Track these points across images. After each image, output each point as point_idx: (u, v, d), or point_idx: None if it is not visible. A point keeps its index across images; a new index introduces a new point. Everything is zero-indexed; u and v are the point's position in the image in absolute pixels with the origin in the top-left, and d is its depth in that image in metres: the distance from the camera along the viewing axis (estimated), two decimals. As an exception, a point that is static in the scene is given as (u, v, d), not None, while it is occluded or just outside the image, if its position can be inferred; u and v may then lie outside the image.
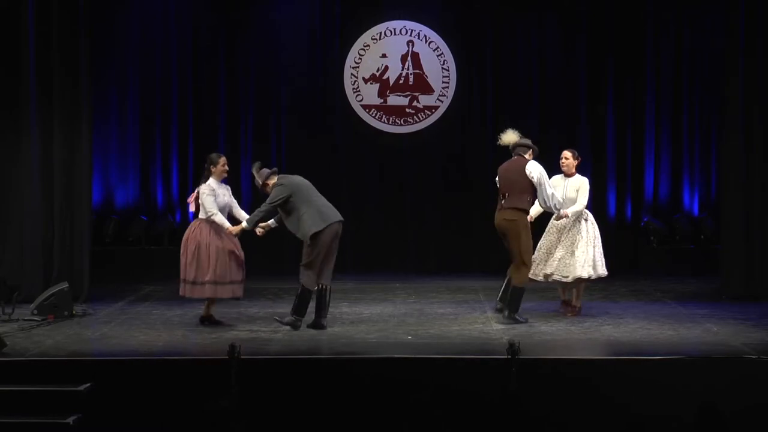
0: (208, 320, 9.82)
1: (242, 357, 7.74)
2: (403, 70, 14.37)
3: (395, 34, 14.42)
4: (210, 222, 9.63)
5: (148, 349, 8.72)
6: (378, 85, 14.37)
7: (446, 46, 14.34)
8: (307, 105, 14.29)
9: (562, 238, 10.09)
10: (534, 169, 9.72)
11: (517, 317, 9.76)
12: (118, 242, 13.98)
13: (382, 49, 14.40)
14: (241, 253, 9.70)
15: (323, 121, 14.29)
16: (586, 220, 10.17)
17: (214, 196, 9.64)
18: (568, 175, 10.25)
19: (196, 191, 9.80)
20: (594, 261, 10.05)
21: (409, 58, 14.37)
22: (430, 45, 14.36)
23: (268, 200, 9.49)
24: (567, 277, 10.04)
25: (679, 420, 7.60)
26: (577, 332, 9.40)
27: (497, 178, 9.97)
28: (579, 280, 10.09)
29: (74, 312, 10.40)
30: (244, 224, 9.57)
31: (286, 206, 9.46)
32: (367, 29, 14.38)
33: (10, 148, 11.34)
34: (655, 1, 14.21)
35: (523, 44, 14.37)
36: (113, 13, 13.88)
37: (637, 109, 14.33)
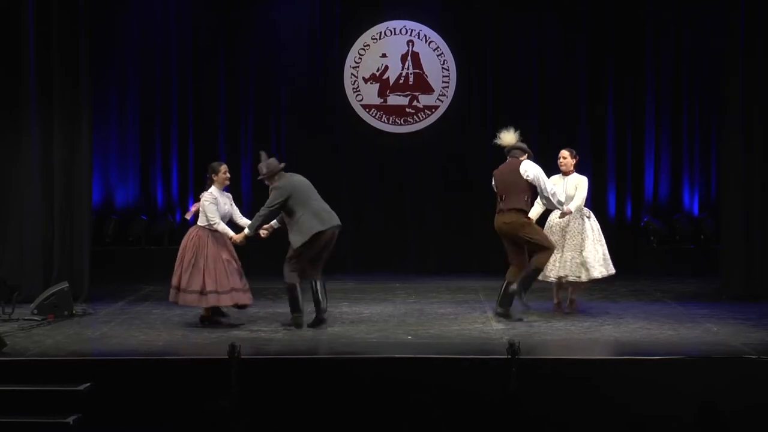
0: (208, 320, 9.81)
1: (242, 357, 7.74)
2: (403, 69, 14.38)
3: (395, 33, 14.42)
4: (209, 230, 9.62)
5: (148, 349, 8.72)
6: (378, 84, 14.37)
7: (446, 46, 14.35)
8: (307, 105, 14.30)
9: (568, 238, 10.09)
10: (529, 168, 9.73)
11: (524, 300, 9.72)
12: (118, 242, 13.98)
13: (382, 49, 14.40)
14: (238, 263, 9.70)
15: (323, 121, 14.29)
16: (588, 218, 10.19)
17: (217, 204, 9.63)
18: (566, 174, 10.27)
19: (196, 204, 9.80)
20: (604, 259, 10.10)
21: (409, 58, 14.37)
22: (430, 45, 14.37)
23: (266, 203, 9.48)
24: (580, 277, 10.05)
25: (679, 420, 7.60)
26: (577, 332, 9.40)
27: (493, 182, 9.98)
28: (593, 281, 10.13)
29: (74, 312, 10.40)
30: (246, 231, 9.56)
31: (284, 207, 9.46)
32: (367, 29, 14.38)
33: (10, 148, 11.34)
34: (655, 1, 14.21)
35: (523, 44, 14.37)
36: (113, 13, 13.88)
37: (637, 109, 14.33)
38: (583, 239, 10.08)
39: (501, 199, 9.81)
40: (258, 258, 13.30)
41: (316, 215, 9.42)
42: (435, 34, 14.36)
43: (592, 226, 10.18)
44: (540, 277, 10.09)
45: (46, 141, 11.36)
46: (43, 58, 11.29)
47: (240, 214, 9.94)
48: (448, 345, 8.79)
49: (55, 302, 10.32)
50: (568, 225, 10.11)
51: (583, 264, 10.02)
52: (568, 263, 10.05)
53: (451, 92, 14.35)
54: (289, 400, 7.87)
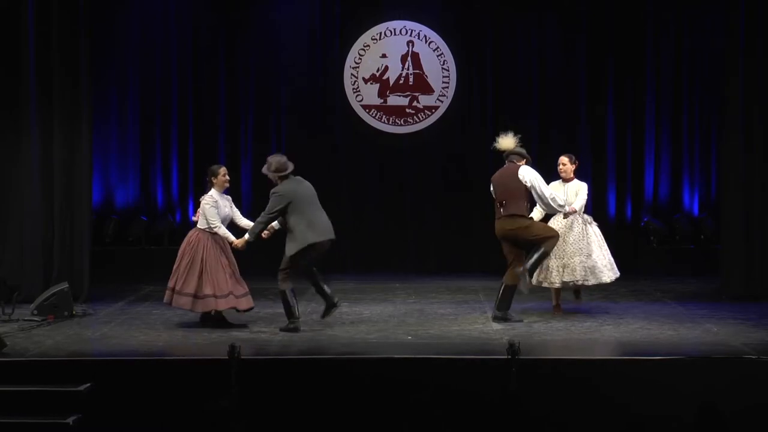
0: (208, 319, 9.80)
1: (242, 357, 7.74)
2: (403, 70, 14.38)
3: (395, 34, 14.42)
4: (210, 233, 9.62)
5: (148, 349, 8.72)
6: (378, 85, 14.37)
7: (446, 46, 14.35)
8: (307, 105, 14.30)
9: (572, 243, 10.05)
10: (527, 174, 9.69)
11: (527, 281, 9.68)
12: (118, 242, 13.98)
13: (382, 49, 14.40)
14: (236, 269, 9.69)
15: (323, 121, 14.29)
16: (590, 223, 10.20)
17: (217, 207, 9.62)
18: (566, 181, 10.27)
19: (199, 210, 9.82)
20: (611, 264, 10.11)
21: (409, 58, 14.37)
22: (430, 45, 14.36)
23: (266, 210, 9.42)
24: (588, 281, 10.05)
25: (679, 420, 7.61)
26: (577, 332, 9.40)
27: (492, 188, 9.94)
28: (601, 285, 10.15)
29: (74, 312, 10.40)
30: (246, 237, 9.54)
31: (282, 213, 9.43)
32: (367, 29, 14.38)
33: (10, 148, 11.34)
34: (655, 1, 14.21)
35: (523, 44, 14.37)
36: (113, 13, 13.88)
37: (637, 109, 14.33)
38: (589, 243, 10.07)
39: (501, 204, 9.76)
40: (258, 258, 13.29)
41: (311, 226, 9.34)
42: (435, 34, 14.36)
43: (595, 231, 10.19)
44: (545, 284, 10.12)
45: (46, 141, 11.36)
46: (43, 58, 11.29)
47: (240, 216, 9.93)
48: (448, 345, 8.79)
49: (55, 302, 10.32)
50: (571, 230, 10.09)
51: (593, 269, 10.01)
52: (577, 268, 10.02)
53: (451, 92, 14.35)
54: (288, 401, 7.87)
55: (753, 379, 7.88)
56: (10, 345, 8.58)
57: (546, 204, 9.81)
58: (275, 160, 9.50)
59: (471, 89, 14.40)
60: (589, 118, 14.30)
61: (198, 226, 9.71)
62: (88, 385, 7.84)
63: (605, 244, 10.22)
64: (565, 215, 10.06)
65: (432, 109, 14.37)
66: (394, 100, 14.38)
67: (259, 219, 9.49)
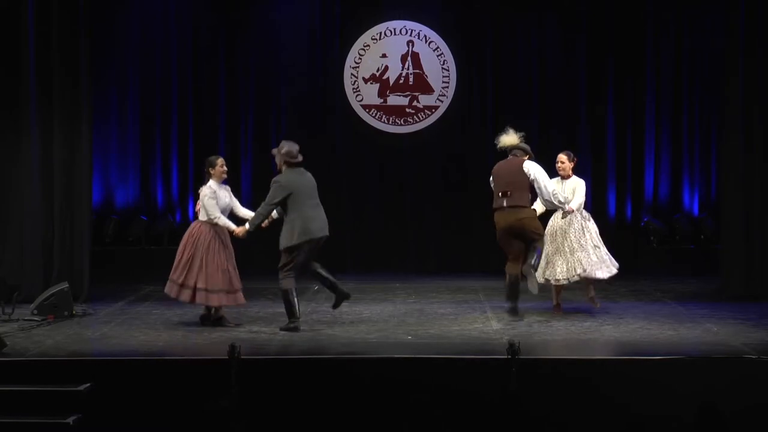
0: (208, 319, 9.81)
1: (242, 357, 7.74)
2: (403, 70, 14.38)
3: (395, 34, 14.42)
4: (211, 225, 9.63)
5: (148, 349, 8.72)
6: (378, 85, 14.37)
7: (446, 46, 14.35)
8: (307, 105, 14.30)
9: (573, 239, 10.07)
10: (531, 167, 9.76)
11: (533, 274, 9.75)
12: (118, 242, 13.99)
13: (382, 49, 14.40)
14: (234, 266, 9.70)
15: (323, 121, 14.29)
16: (589, 219, 10.21)
17: (216, 198, 9.64)
18: (565, 178, 10.28)
19: (199, 203, 9.82)
20: (609, 261, 10.11)
21: (409, 58, 14.37)
22: (430, 45, 14.37)
23: (266, 200, 9.46)
24: (585, 271, 10.05)
25: (679, 420, 7.60)
26: (577, 332, 9.40)
27: (492, 178, 9.96)
28: (597, 281, 10.14)
29: (74, 312, 10.39)
30: (247, 226, 9.57)
31: (283, 204, 9.45)
32: (367, 29, 14.39)
33: (10, 148, 11.34)
34: (655, 1, 14.21)
35: (523, 44, 14.37)
36: (113, 13, 13.88)
37: (637, 109, 14.34)
38: (588, 239, 10.08)
39: (506, 195, 9.76)
40: (258, 258, 13.31)
41: (308, 221, 9.35)
42: (435, 34, 14.36)
43: (594, 227, 10.20)
44: (552, 281, 10.14)
45: (46, 141, 11.36)
46: (43, 58, 11.29)
47: (240, 206, 9.95)
48: (448, 345, 8.78)
49: (55, 302, 10.31)
50: (570, 227, 10.10)
51: (589, 264, 10.02)
52: (582, 261, 10.02)
53: (451, 92, 14.35)
54: (288, 401, 7.87)
55: (753, 379, 7.87)
56: (10, 345, 8.58)
57: (547, 199, 9.85)
58: (288, 144, 9.55)
59: (471, 89, 14.40)
60: (589, 118, 14.30)
61: (199, 218, 9.72)
62: (88, 385, 7.83)
63: (601, 241, 10.23)
64: (564, 214, 10.06)
65: (432, 109, 14.37)
66: (394, 100, 14.38)
67: (259, 210, 9.52)
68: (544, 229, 10.13)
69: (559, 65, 14.31)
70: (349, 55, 14.35)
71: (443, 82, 14.35)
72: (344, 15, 14.35)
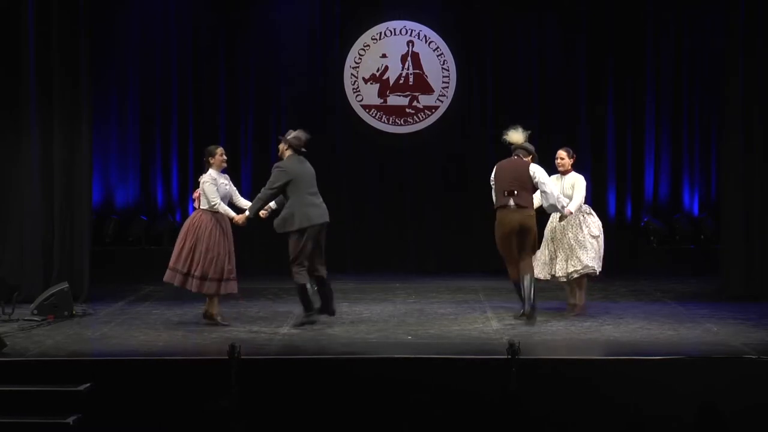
0: (213, 319, 9.80)
1: (242, 357, 7.74)
2: (403, 70, 14.38)
3: (395, 34, 14.42)
4: (212, 213, 9.64)
5: (148, 349, 8.72)
6: (378, 85, 14.37)
7: (446, 46, 14.35)
8: (307, 105, 14.29)
9: (571, 237, 10.08)
10: (537, 171, 9.76)
11: (536, 307, 9.76)
12: (118, 242, 13.99)
13: (382, 49, 14.40)
14: (232, 255, 9.71)
15: (323, 121, 14.28)
16: (589, 213, 10.21)
17: (216, 185, 9.67)
18: (564, 174, 10.29)
19: (197, 191, 9.83)
20: (601, 256, 10.10)
21: (409, 58, 14.37)
22: (430, 45, 14.36)
23: (267, 184, 9.53)
24: (585, 268, 10.04)
25: (679, 420, 7.60)
26: (577, 332, 9.40)
27: (494, 176, 9.93)
28: (586, 275, 10.13)
29: (74, 312, 10.39)
30: (247, 213, 9.64)
31: (283, 190, 9.48)
32: (367, 29, 14.38)
33: (10, 148, 11.34)
34: (655, 1, 14.21)
35: (523, 44, 14.37)
36: (113, 13, 13.88)
37: (637, 109, 14.33)
38: (584, 234, 10.08)
39: (512, 194, 9.72)
40: (258, 258, 13.33)
41: (306, 208, 9.45)
42: (435, 34, 14.36)
43: (594, 221, 10.19)
44: (552, 279, 10.13)
45: (46, 141, 11.35)
46: (43, 58, 11.29)
47: (239, 195, 9.98)
48: (448, 345, 8.78)
49: (55, 302, 10.31)
50: (568, 225, 10.11)
51: (593, 258, 10.03)
52: (582, 259, 10.02)
53: (451, 92, 14.35)
54: (288, 401, 7.87)
55: (753, 379, 7.87)
56: (10, 345, 8.58)
57: (552, 204, 9.84)
58: (298, 131, 9.68)
59: (471, 89, 14.39)
60: (589, 118, 14.30)
61: (200, 207, 9.73)
62: (88, 385, 7.83)
63: (600, 236, 10.20)
64: (561, 217, 10.07)
65: (432, 109, 14.37)
66: (394, 100, 14.38)
67: (259, 195, 9.59)
68: (542, 229, 10.16)
69: (559, 65, 14.31)
70: (349, 55, 14.35)
71: (443, 82, 14.35)
72: (344, 15, 14.35)
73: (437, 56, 14.36)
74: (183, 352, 8.71)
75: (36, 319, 10.09)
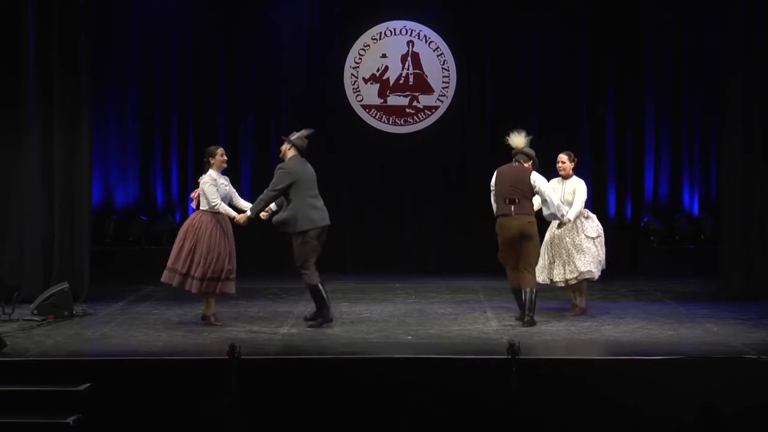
0: (207, 319, 9.81)
1: (242, 357, 7.74)
2: (403, 70, 14.38)
3: (395, 34, 14.42)
4: (212, 214, 9.63)
5: (148, 349, 8.72)
6: (378, 85, 14.37)
7: (446, 46, 14.34)
8: (307, 105, 14.29)
9: (567, 240, 10.08)
10: (538, 180, 9.72)
11: (535, 318, 9.75)
12: (118, 242, 13.99)
13: (382, 49, 14.40)
14: (233, 255, 9.72)
15: (323, 121, 14.27)
16: (587, 218, 10.20)
17: (216, 186, 9.66)
18: (565, 178, 10.27)
19: (196, 191, 9.83)
20: (600, 260, 10.08)
21: (409, 58, 14.37)
22: (430, 45, 14.36)
23: (270, 186, 9.54)
24: (582, 274, 10.04)
25: (679, 420, 7.60)
26: (577, 332, 9.40)
27: (495, 182, 9.88)
28: (585, 280, 10.12)
29: (74, 312, 10.39)
30: (248, 213, 9.64)
31: (286, 191, 9.49)
32: (367, 29, 14.38)
33: (10, 148, 11.34)
34: (655, 1, 14.21)
35: (523, 44, 14.37)
36: (113, 13, 13.88)
37: (637, 109, 14.33)
38: (581, 239, 10.07)
39: (513, 202, 9.66)
40: (258, 258, 13.33)
41: (308, 210, 9.47)
42: (435, 34, 14.36)
43: (593, 225, 10.17)
44: (551, 284, 10.14)
45: (46, 141, 11.35)
46: (43, 58, 11.29)
47: (239, 197, 9.98)
48: (448, 345, 8.79)
49: (55, 302, 10.31)
50: (566, 231, 10.10)
51: (591, 263, 10.02)
52: (578, 264, 10.02)
53: (451, 92, 14.35)
54: (288, 400, 7.87)
55: (753, 379, 7.88)
56: (10, 345, 8.58)
57: (552, 212, 9.82)
58: (302, 131, 9.72)
59: (471, 89, 14.39)
60: (589, 118, 14.29)
61: (200, 207, 9.72)
62: (88, 385, 7.84)
63: (601, 240, 10.18)
64: (560, 224, 10.07)
65: (432, 109, 14.37)
66: (394, 100, 14.38)
67: (261, 197, 9.59)
68: (542, 235, 10.16)
69: (559, 65, 14.31)
70: (349, 55, 14.35)
71: (443, 82, 14.35)
72: (344, 15, 14.35)
73: (437, 56, 14.36)
74: (183, 352, 8.71)
75: (36, 319, 10.09)
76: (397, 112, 14.36)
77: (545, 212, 9.90)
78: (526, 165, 9.84)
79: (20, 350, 8.57)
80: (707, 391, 7.60)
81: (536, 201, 10.00)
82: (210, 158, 9.76)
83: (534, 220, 9.77)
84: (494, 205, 9.92)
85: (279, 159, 9.86)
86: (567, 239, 10.09)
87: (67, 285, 10.57)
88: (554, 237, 10.20)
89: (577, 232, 10.10)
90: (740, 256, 11.39)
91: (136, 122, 14.27)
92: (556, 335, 9.25)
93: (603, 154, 14.29)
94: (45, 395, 7.78)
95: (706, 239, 13.97)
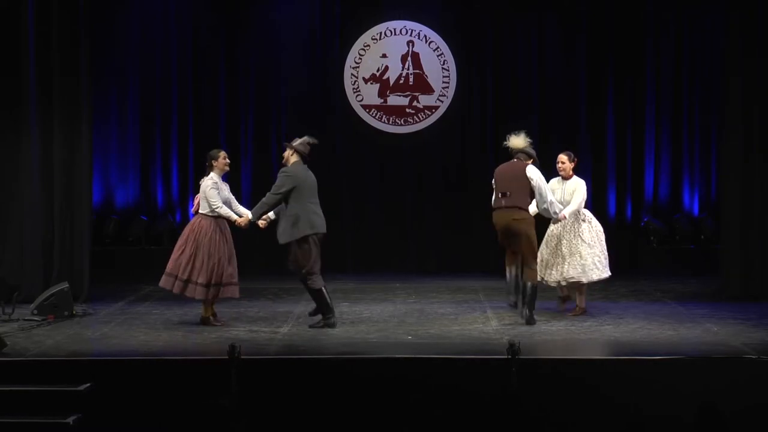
0: (207, 321, 9.80)
1: (242, 357, 7.74)
2: (403, 70, 14.38)
3: (395, 34, 14.42)
4: (212, 218, 9.62)
5: (148, 349, 8.72)
6: (378, 85, 14.37)
7: (446, 46, 14.34)
8: (307, 105, 14.29)
9: (565, 242, 10.09)
10: (533, 174, 9.75)
11: (535, 316, 9.77)
12: (118, 242, 13.99)
13: (382, 49, 14.40)
14: (233, 259, 9.72)
15: (323, 121, 14.27)
16: (584, 221, 10.18)
17: (218, 189, 9.66)
18: (565, 178, 10.28)
19: (197, 196, 9.82)
20: (597, 263, 10.06)
21: (409, 58, 14.37)
22: (430, 45, 14.36)
23: (273, 189, 9.54)
24: (581, 280, 10.04)
25: (679, 420, 7.60)
26: (577, 332, 9.40)
27: (495, 178, 9.98)
28: (583, 284, 10.12)
29: (74, 312, 10.40)
30: (250, 216, 9.64)
31: (287, 196, 9.49)
32: (367, 29, 14.38)
33: (10, 148, 11.34)
34: (655, 1, 14.21)
35: (523, 44, 14.37)
36: (113, 13, 13.88)
37: (637, 109, 14.33)
38: (578, 243, 10.06)
39: (505, 195, 9.77)
40: (258, 258, 13.32)
41: (309, 215, 9.47)
42: (435, 34, 14.36)
43: (591, 228, 10.16)
44: (545, 282, 10.15)
45: (46, 141, 11.36)
46: (43, 58, 11.29)
47: (238, 204, 9.96)
48: (448, 345, 8.79)
49: (55, 302, 10.31)
50: (564, 232, 10.11)
51: (583, 267, 10.02)
52: (570, 267, 10.03)
53: (451, 92, 14.35)
54: (288, 400, 7.87)
55: (753, 379, 7.88)
56: (10, 345, 8.58)
57: (544, 208, 9.85)
58: (305, 138, 9.71)
59: (471, 89, 14.40)
60: (589, 118, 14.29)
61: (200, 211, 9.71)
62: (88, 385, 7.84)
63: (601, 241, 10.17)
64: (554, 221, 10.08)
65: (432, 109, 14.37)
66: (394, 100, 14.38)
67: (264, 199, 9.59)
68: (542, 233, 10.15)
69: (559, 65, 14.31)
70: (349, 55, 14.35)
71: (443, 82, 14.35)
72: (344, 15, 14.35)
73: (437, 56, 14.36)
74: (183, 352, 8.70)
75: (36, 319, 10.09)
76: (397, 112, 14.36)
77: (539, 207, 9.91)
78: (526, 162, 9.88)
79: (20, 350, 8.57)
80: (707, 391, 7.61)
81: (532, 208, 10.04)
82: (212, 161, 9.75)
83: (524, 216, 9.74)
84: (493, 201, 9.99)
85: (279, 160, 9.85)
86: (564, 241, 10.09)
87: (67, 285, 10.57)
88: (552, 235, 10.19)
89: (574, 236, 10.09)
90: (740, 256, 11.40)
91: (136, 122, 14.27)
92: (556, 335, 9.25)
93: (603, 154, 14.29)
94: (45, 395, 7.78)
95: (706, 239, 13.97)
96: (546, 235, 10.26)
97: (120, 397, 7.88)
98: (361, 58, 14.37)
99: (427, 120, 14.37)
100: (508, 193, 9.76)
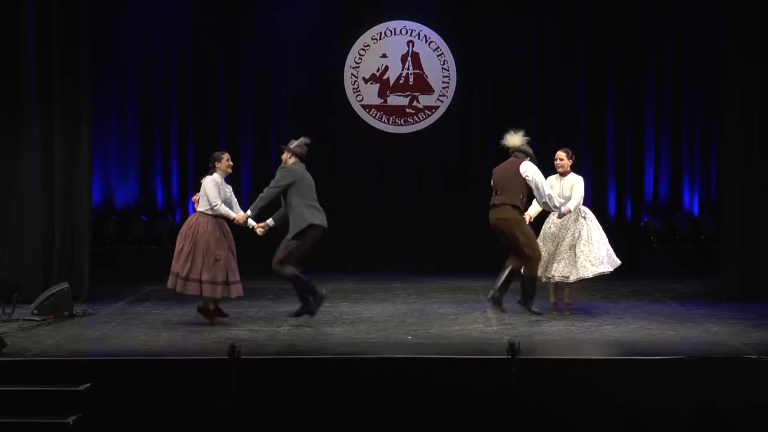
0: (207, 311, 9.78)
1: (242, 357, 7.74)
2: (403, 70, 14.38)
3: (395, 34, 14.42)
4: (211, 215, 9.62)
5: (148, 349, 8.71)
6: (378, 85, 14.37)
7: (446, 46, 14.35)
8: (307, 105, 14.29)
9: (561, 239, 10.09)
10: (528, 169, 9.78)
11: (533, 309, 9.78)
12: (118, 242, 14.00)
13: (382, 49, 14.40)
14: (234, 256, 9.72)
15: (323, 121, 14.29)
16: (584, 218, 10.18)
17: (218, 188, 9.66)
18: (563, 175, 10.28)
19: (197, 194, 9.82)
20: (596, 259, 10.04)
21: (409, 58, 14.37)
22: (430, 45, 14.37)
23: (272, 183, 9.59)
24: (568, 277, 10.05)
25: (679, 420, 7.60)
26: (577, 332, 9.40)
27: (492, 177, 10.02)
28: (581, 281, 10.11)
29: (74, 312, 10.39)
30: (248, 212, 9.67)
31: (285, 192, 9.51)
32: (367, 29, 14.38)
33: (10, 148, 11.34)
34: (655, 1, 14.22)
35: (523, 44, 14.37)
36: (113, 13, 13.88)
37: (637, 109, 14.34)
38: (576, 239, 10.06)
39: (496, 193, 9.88)
40: (258, 258, 13.30)
41: (311, 209, 9.54)
42: (435, 34, 14.36)
43: (588, 225, 10.15)
44: (551, 280, 10.16)
45: (46, 141, 11.35)
46: (43, 58, 11.28)
47: (238, 207, 9.97)
48: (448, 345, 8.78)
49: (55, 302, 10.31)
50: (564, 230, 10.10)
51: (574, 264, 10.01)
52: (561, 264, 10.04)
53: (451, 92, 14.35)
54: (288, 400, 7.87)
55: (753, 379, 7.87)
56: (10, 345, 8.57)
57: (543, 202, 9.88)
58: (301, 139, 9.76)
59: (471, 89, 14.40)
60: (589, 118, 14.30)
61: (199, 209, 9.72)
62: (88, 385, 7.83)
63: (601, 237, 10.16)
64: (560, 215, 10.07)
65: (432, 109, 14.37)
66: (394, 100, 14.38)
67: (262, 194, 9.65)
68: (538, 230, 10.15)
69: (559, 65, 14.31)
70: (349, 55, 14.35)
71: (443, 82, 14.35)
72: (344, 15, 14.35)
73: (437, 56, 14.36)
74: (183, 352, 8.70)
75: (36, 319, 10.09)
76: (397, 112, 14.37)
77: (540, 201, 9.92)
78: (522, 160, 9.89)
79: (20, 350, 8.56)
80: (707, 391, 7.60)
81: (534, 207, 10.05)
82: (216, 163, 9.77)
83: (508, 215, 9.79)
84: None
85: (279, 162, 9.85)
86: (566, 240, 10.08)
87: (67, 285, 10.57)
88: (552, 232, 10.18)
89: (576, 233, 10.09)
90: (740, 256, 11.39)
91: (136, 122, 14.27)
92: (556, 335, 9.25)
93: (603, 154, 14.30)
94: (45, 395, 7.77)
95: (706, 239, 13.97)
96: (542, 232, 10.25)
97: (120, 397, 7.87)
98: (361, 58, 14.37)
99: (427, 120, 14.37)
100: (499, 190, 9.84)
